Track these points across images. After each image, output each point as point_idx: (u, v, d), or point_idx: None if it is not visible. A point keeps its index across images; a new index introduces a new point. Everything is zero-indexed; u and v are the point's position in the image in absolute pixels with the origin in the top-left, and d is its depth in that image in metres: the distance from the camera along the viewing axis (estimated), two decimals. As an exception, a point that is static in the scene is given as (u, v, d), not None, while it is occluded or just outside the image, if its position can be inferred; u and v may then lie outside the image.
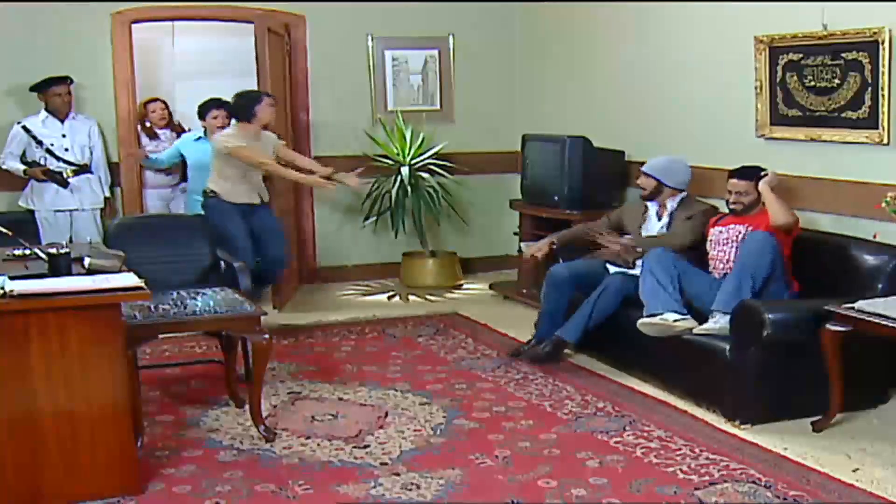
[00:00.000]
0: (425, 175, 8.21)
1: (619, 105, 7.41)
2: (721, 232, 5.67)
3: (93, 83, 7.61)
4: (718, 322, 5.21)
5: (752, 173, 5.60)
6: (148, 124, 7.91)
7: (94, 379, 4.06)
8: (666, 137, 6.96)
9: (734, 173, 5.64)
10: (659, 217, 6.16)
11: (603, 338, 5.96)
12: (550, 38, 8.35)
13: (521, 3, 8.70)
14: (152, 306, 4.68)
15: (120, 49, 7.76)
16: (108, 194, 7.55)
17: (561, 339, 5.98)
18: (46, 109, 7.20)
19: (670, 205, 6.12)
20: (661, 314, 5.41)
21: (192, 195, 7.31)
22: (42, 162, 7.13)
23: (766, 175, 5.57)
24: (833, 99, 5.57)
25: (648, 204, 6.21)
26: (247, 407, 5.02)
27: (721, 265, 5.60)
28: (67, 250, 4.42)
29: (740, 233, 5.55)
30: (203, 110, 7.46)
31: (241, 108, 6.59)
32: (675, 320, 5.38)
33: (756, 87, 6.02)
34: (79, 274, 4.34)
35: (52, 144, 7.16)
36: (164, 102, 8.05)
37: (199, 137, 7.53)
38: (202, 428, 5.05)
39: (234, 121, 6.69)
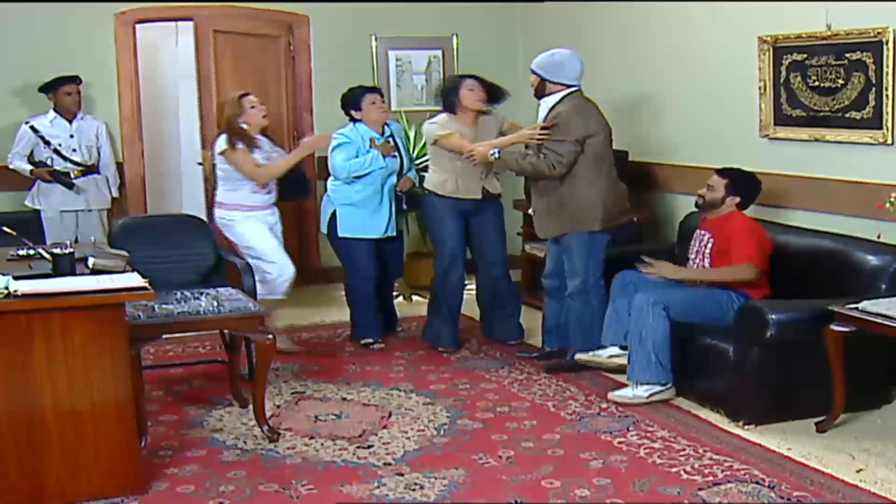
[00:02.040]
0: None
1: (622, 105, 7.39)
2: (696, 236, 5.67)
3: (97, 83, 7.61)
4: (635, 393, 5.32)
5: (730, 173, 5.57)
6: (244, 126, 6.17)
7: (97, 378, 4.06)
8: (669, 137, 6.96)
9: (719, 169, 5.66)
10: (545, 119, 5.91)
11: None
12: (553, 38, 8.33)
13: (523, 2, 8.70)
14: (156, 306, 4.68)
15: (123, 49, 7.77)
16: (116, 195, 7.56)
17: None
18: (55, 110, 7.21)
19: (552, 101, 5.86)
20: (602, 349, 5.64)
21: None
22: (49, 162, 7.13)
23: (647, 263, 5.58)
24: (837, 99, 5.56)
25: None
26: (250, 407, 5.03)
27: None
28: (71, 250, 4.43)
29: (703, 240, 5.58)
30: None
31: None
32: (610, 356, 5.58)
33: (760, 88, 6.02)
34: (83, 274, 4.34)
35: (59, 145, 7.16)
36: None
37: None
38: (206, 428, 5.05)
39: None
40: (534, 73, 5.89)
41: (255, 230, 6.13)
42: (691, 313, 5.34)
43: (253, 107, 6.16)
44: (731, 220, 5.48)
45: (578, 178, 5.75)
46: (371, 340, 6.54)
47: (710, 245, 5.51)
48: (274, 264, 6.12)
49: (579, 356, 5.73)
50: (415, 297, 7.90)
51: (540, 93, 5.89)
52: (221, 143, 6.08)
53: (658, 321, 5.29)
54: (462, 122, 6.34)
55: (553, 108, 5.80)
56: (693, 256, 5.65)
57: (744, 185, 5.54)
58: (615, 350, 5.61)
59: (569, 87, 5.83)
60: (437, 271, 6.52)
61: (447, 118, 6.38)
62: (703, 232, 5.62)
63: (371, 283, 6.52)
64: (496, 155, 5.96)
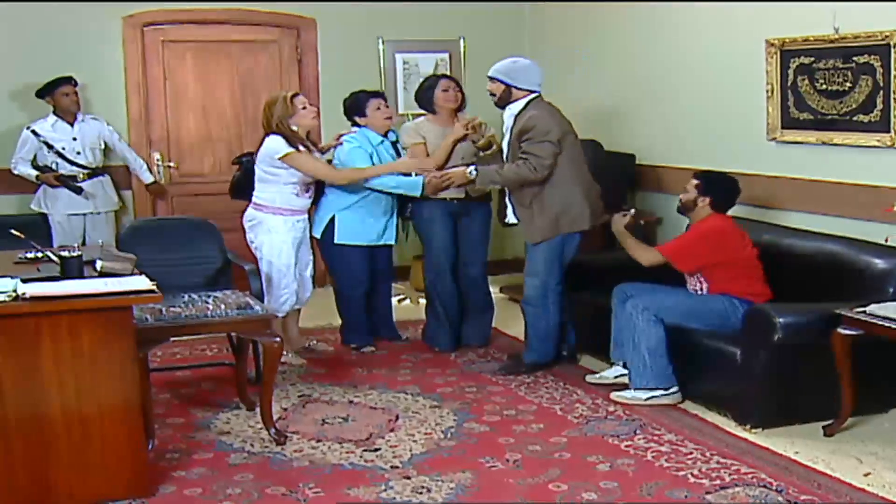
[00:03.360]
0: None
1: (630, 108, 7.40)
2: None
3: (104, 87, 7.64)
4: (634, 395, 5.38)
5: (702, 174, 5.62)
6: (294, 129, 5.95)
7: (105, 381, 4.07)
8: (676, 141, 6.96)
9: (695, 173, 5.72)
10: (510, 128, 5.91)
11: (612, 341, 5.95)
12: (560, 41, 8.35)
13: (529, 2, 8.70)
14: (163, 309, 4.69)
15: (131, 52, 7.80)
16: (151, 178, 7.70)
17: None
18: (55, 112, 7.21)
19: (517, 107, 5.85)
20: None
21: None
22: (54, 166, 7.14)
23: (622, 213, 5.74)
24: (844, 102, 5.56)
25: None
26: (257, 409, 5.03)
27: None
28: (79, 253, 4.43)
29: None
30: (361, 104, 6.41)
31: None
32: (617, 376, 5.62)
33: (767, 91, 6.01)
34: (91, 277, 4.35)
35: (63, 148, 7.17)
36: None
37: (382, 141, 6.43)
38: (213, 430, 5.06)
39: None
40: (496, 80, 5.86)
41: (277, 244, 5.99)
42: (690, 320, 5.35)
43: (304, 107, 5.97)
44: (703, 221, 5.53)
45: (560, 178, 5.76)
46: (360, 345, 6.56)
47: None
48: (285, 286, 6.05)
49: (590, 378, 5.73)
50: (421, 301, 7.88)
51: (504, 100, 5.87)
52: (281, 145, 5.83)
53: (648, 327, 5.34)
54: (439, 123, 6.37)
55: (520, 114, 5.80)
56: None
57: (715, 185, 5.53)
58: (620, 370, 5.62)
59: (532, 92, 5.85)
60: (427, 273, 6.54)
61: (425, 121, 6.43)
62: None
63: (362, 289, 6.51)
64: (474, 173, 5.89)
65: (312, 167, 5.94)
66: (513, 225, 6.14)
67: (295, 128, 5.92)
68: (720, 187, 5.54)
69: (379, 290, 6.71)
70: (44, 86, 7.19)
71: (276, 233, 6.00)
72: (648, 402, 5.32)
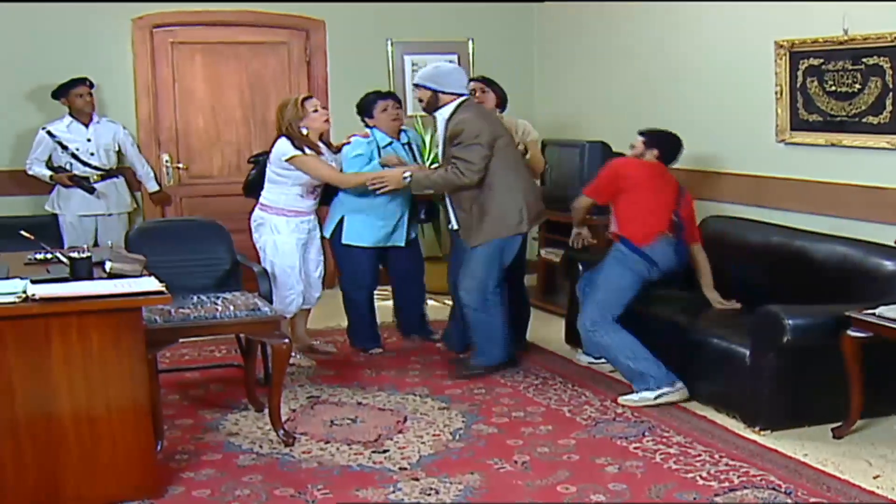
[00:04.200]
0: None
1: (639, 110, 7.39)
2: None
3: (114, 88, 7.66)
4: (641, 396, 5.43)
5: (648, 131, 5.89)
6: (304, 131, 5.94)
7: (114, 382, 4.07)
8: (686, 142, 6.93)
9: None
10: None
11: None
12: (568, 43, 8.35)
13: (532, 2, 8.70)
14: (172, 310, 4.70)
15: (140, 54, 7.82)
16: (157, 187, 7.72)
17: None
18: (70, 114, 7.25)
19: (447, 112, 5.84)
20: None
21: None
22: (68, 167, 7.17)
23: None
24: (854, 104, 5.55)
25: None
26: (266, 411, 5.04)
27: (611, 224, 5.88)
28: (89, 254, 4.44)
29: None
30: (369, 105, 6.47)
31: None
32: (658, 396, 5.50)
33: (776, 92, 6.01)
34: (100, 278, 4.36)
35: (77, 149, 7.20)
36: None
37: (392, 142, 6.43)
38: (221, 432, 5.06)
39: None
40: (423, 87, 5.85)
41: (281, 244, 6.01)
42: (623, 295, 5.63)
43: (315, 110, 5.97)
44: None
45: (497, 181, 5.75)
46: (366, 348, 6.57)
47: None
48: (290, 287, 6.05)
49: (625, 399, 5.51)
50: (430, 302, 7.89)
51: (433, 106, 5.87)
52: (287, 147, 5.85)
53: (609, 337, 5.50)
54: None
55: (450, 118, 5.78)
56: None
57: (661, 139, 5.85)
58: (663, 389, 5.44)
59: (459, 95, 5.83)
60: (449, 275, 6.54)
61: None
62: None
63: (365, 293, 6.50)
64: (408, 179, 5.88)
65: (316, 170, 5.93)
66: (456, 231, 6.08)
67: (305, 131, 5.92)
68: (666, 140, 5.84)
69: (403, 291, 6.72)
70: (59, 87, 7.22)
71: (279, 233, 6.01)
72: (657, 402, 5.33)
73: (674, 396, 5.37)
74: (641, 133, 5.90)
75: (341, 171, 6.20)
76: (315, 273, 6.23)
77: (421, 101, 5.93)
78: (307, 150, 5.88)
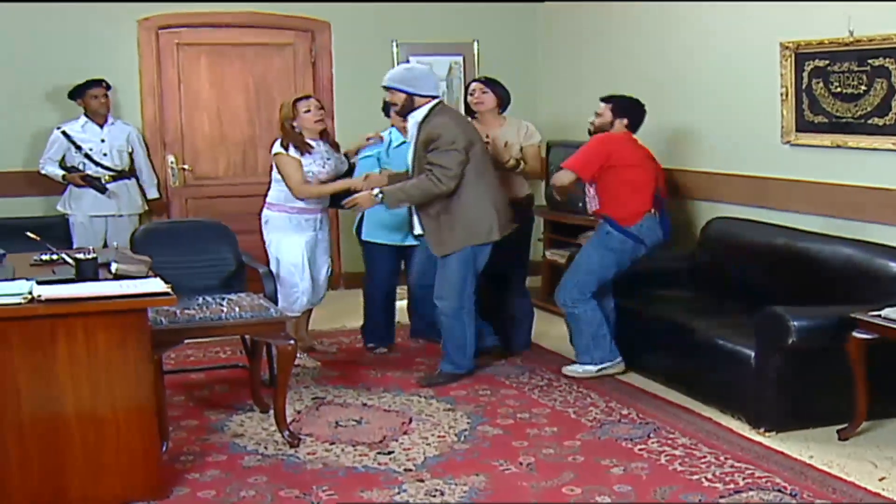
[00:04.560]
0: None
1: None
2: None
3: (120, 89, 7.66)
4: (585, 368, 5.91)
5: (613, 97, 5.97)
6: (298, 131, 6.09)
7: (119, 383, 4.08)
8: (690, 143, 6.94)
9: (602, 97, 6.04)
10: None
11: (627, 345, 5.95)
12: (573, 44, 8.34)
13: (530, 1, 8.71)
14: (178, 311, 4.70)
15: (146, 55, 7.83)
16: (156, 195, 7.67)
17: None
18: (86, 114, 7.28)
19: (420, 115, 5.70)
20: None
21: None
22: (81, 167, 7.19)
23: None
24: (859, 105, 5.54)
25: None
26: (271, 412, 5.04)
27: (589, 201, 6.03)
28: (94, 255, 4.44)
29: None
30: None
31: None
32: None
33: (782, 94, 6.00)
34: (106, 279, 4.36)
35: (90, 149, 7.23)
36: (318, 101, 6.29)
37: (404, 142, 6.31)
38: (226, 433, 5.07)
39: None
40: (395, 90, 5.69)
41: (284, 241, 6.07)
42: (605, 273, 5.84)
43: (308, 111, 6.03)
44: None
45: (468, 189, 5.66)
46: (374, 346, 6.60)
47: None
48: (294, 285, 6.08)
49: (569, 370, 5.98)
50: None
51: (407, 109, 5.70)
52: (276, 145, 6.05)
53: (584, 312, 5.88)
54: (481, 125, 6.28)
55: (424, 121, 5.66)
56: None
57: (628, 106, 5.94)
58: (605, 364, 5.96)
59: (433, 98, 5.73)
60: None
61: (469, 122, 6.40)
62: None
63: (380, 290, 6.52)
64: (380, 196, 5.64)
65: (286, 173, 6.02)
66: (420, 236, 5.95)
67: (299, 130, 6.03)
68: (634, 109, 5.95)
69: (415, 293, 6.69)
70: (74, 88, 7.26)
71: (282, 231, 6.08)
72: (598, 374, 5.86)
73: (613, 369, 5.84)
74: (607, 100, 5.94)
75: (350, 170, 6.30)
76: (321, 275, 6.25)
77: (394, 104, 5.77)
78: (291, 150, 5.98)
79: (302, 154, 6.01)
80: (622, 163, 5.74)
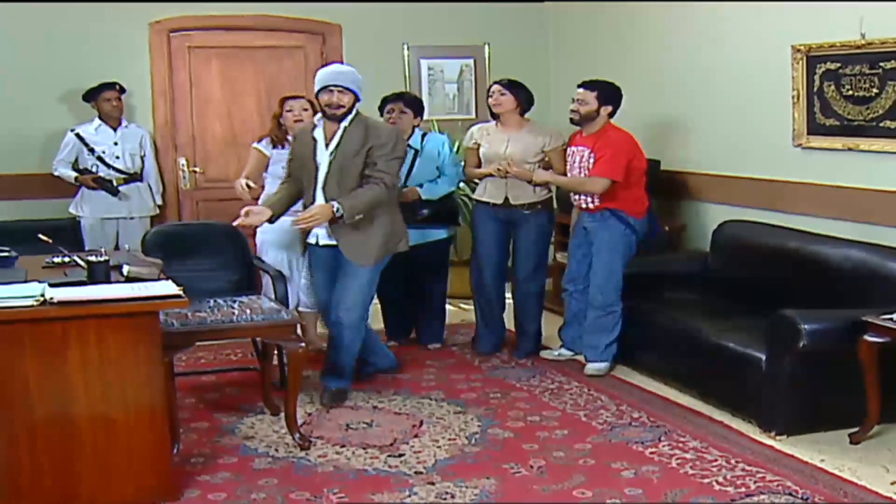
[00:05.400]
0: (460, 184, 8.19)
1: (654, 114, 7.37)
2: (572, 153, 6.06)
3: (131, 92, 7.67)
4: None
5: (596, 85, 5.95)
6: (284, 128, 6.26)
7: (131, 385, 4.09)
8: (701, 146, 6.94)
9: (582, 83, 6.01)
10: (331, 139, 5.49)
11: (638, 348, 5.95)
12: (584, 46, 8.34)
13: (534, 1, 8.72)
14: (189, 314, 4.71)
15: (157, 58, 7.85)
16: (159, 202, 7.66)
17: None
18: (99, 117, 7.30)
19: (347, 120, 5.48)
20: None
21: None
22: (94, 170, 7.21)
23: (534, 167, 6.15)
24: (871, 108, 5.53)
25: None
26: (282, 414, 5.04)
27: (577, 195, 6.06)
28: (106, 258, 4.46)
29: (583, 156, 5.95)
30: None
31: None
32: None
33: (793, 97, 5.99)
34: (117, 282, 4.37)
35: (103, 152, 7.24)
36: (310, 102, 6.24)
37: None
38: (237, 435, 5.08)
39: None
40: (351, 91, 5.43)
41: (264, 241, 6.17)
42: (617, 269, 5.95)
43: (290, 110, 6.17)
44: (608, 134, 5.91)
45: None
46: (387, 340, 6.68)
47: (591, 160, 5.91)
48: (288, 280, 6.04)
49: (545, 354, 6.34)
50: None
51: (349, 111, 5.44)
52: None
53: (619, 311, 6.03)
54: (503, 129, 6.38)
55: (350, 126, 5.43)
56: (576, 173, 6.02)
57: (612, 93, 5.95)
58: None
59: (358, 100, 5.51)
60: (472, 276, 6.60)
61: (490, 125, 6.54)
62: (580, 148, 6.02)
63: (389, 286, 6.26)
64: (340, 211, 5.30)
65: (247, 162, 6.32)
66: (333, 246, 5.54)
67: (286, 127, 6.23)
68: (616, 95, 5.97)
69: (415, 293, 6.73)
70: (88, 90, 7.28)
71: (265, 232, 6.11)
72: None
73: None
74: (590, 87, 5.93)
75: None
76: (303, 279, 6.23)
77: (341, 106, 5.39)
78: (263, 143, 6.25)
79: (274, 147, 6.20)
80: (640, 162, 5.80)
